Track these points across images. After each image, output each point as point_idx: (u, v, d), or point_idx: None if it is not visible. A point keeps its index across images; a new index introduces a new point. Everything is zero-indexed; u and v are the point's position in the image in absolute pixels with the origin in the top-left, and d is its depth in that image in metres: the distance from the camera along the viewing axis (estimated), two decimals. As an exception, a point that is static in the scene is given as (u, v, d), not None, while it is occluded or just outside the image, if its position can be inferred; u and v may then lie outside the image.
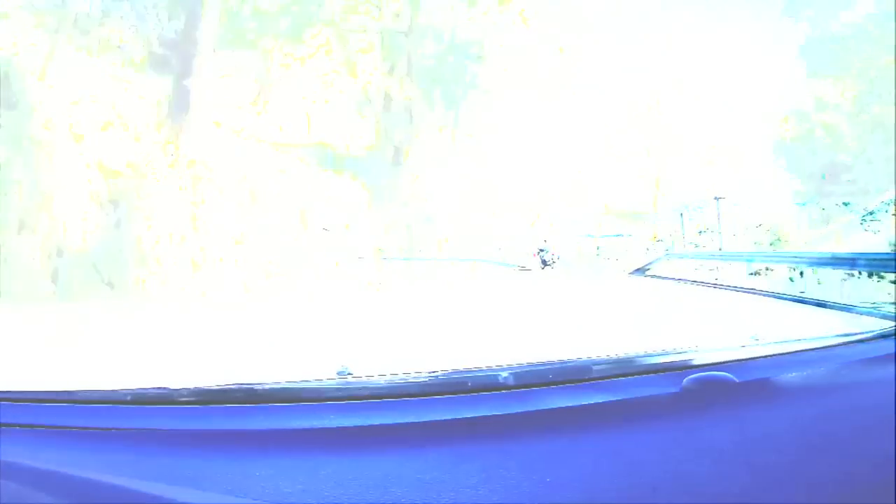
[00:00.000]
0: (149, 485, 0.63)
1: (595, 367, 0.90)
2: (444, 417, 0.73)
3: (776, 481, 0.57)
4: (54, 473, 0.67)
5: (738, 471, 0.59)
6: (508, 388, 0.84)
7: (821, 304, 2.51)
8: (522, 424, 0.71)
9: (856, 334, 0.93)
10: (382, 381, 1.05)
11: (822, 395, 0.74)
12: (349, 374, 1.10)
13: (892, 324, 0.94)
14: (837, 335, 0.94)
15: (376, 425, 0.72)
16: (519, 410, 0.73)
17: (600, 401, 0.76)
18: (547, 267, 19.11)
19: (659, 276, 7.65)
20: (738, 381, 0.74)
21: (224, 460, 0.68)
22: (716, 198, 15.57)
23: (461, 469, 0.63)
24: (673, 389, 0.74)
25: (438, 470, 0.64)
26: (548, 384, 0.86)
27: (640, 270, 13.29)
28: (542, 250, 19.97)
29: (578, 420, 0.72)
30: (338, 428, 0.73)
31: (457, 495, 0.59)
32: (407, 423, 0.73)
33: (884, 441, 0.62)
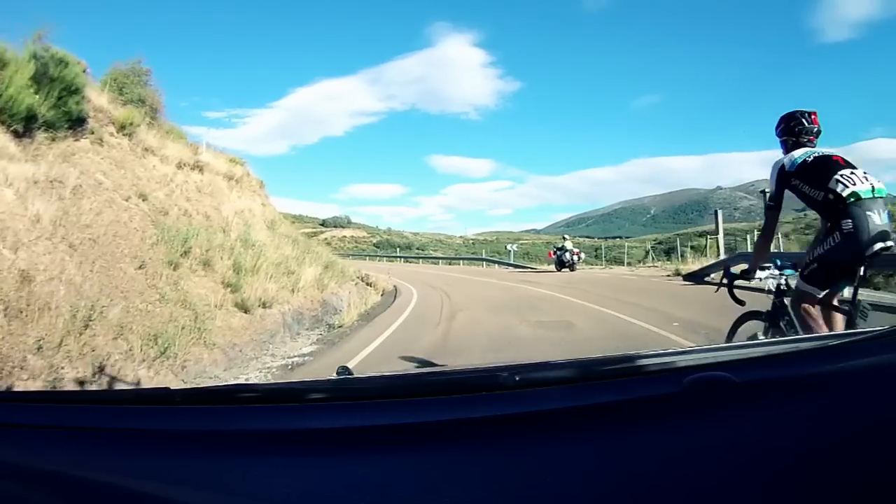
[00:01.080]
0: (149, 485, 0.63)
1: (595, 367, 0.90)
2: (443, 417, 0.73)
3: (776, 482, 0.57)
4: (54, 473, 0.67)
5: (738, 471, 0.59)
6: (508, 388, 0.83)
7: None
8: (522, 424, 0.71)
9: (856, 334, 0.93)
10: (382, 382, 1.05)
11: (822, 396, 0.74)
12: (349, 374, 1.10)
13: (893, 324, 0.94)
14: (838, 334, 0.94)
15: (376, 425, 0.72)
16: (519, 410, 0.73)
17: (600, 401, 0.76)
18: (565, 269, 17.03)
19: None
20: (738, 381, 0.74)
21: (224, 460, 0.68)
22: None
23: (461, 469, 0.63)
24: (673, 389, 0.74)
25: (438, 470, 0.64)
26: (548, 384, 0.86)
27: (697, 276, 11.33)
28: (560, 249, 17.73)
29: (578, 420, 0.72)
30: (338, 428, 0.72)
31: (457, 496, 0.59)
32: (407, 424, 0.72)
33: (885, 442, 0.62)
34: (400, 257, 38.70)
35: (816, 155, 2.30)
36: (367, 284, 11.97)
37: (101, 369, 3.60)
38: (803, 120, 2.40)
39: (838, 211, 2.13)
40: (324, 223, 79.74)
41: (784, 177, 2.37)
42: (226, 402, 0.90)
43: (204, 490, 0.63)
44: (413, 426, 0.72)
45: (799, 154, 2.35)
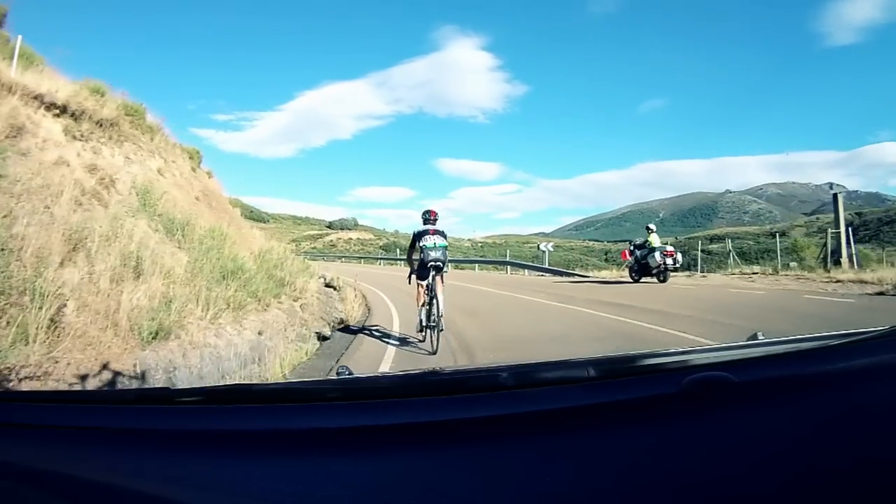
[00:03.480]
0: (149, 485, 0.63)
1: (595, 367, 0.90)
2: (443, 417, 0.73)
3: (776, 482, 0.57)
4: (54, 473, 0.67)
5: (738, 471, 0.59)
6: (508, 388, 0.84)
7: None
8: (523, 424, 0.71)
9: (856, 334, 0.92)
10: (383, 381, 1.05)
11: (822, 396, 0.74)
12: (349, 374, 1.10)
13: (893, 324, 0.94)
14: (838, 334, 0.94)
15: (377, 425, 0.72)
16: (519, 410, 0.73)
17: (600, 400, 0.76)
18: (648, 277, 10.70)
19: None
20: (737, 381, 0.74)
21: (224, 460, 0.68)
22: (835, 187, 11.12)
23: (461, 469, 0.63)
24: (673, 389, 0.74)
25: (438, 470, 0.64)
26: (548, 384, 0.86)
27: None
28: (642, 247, 11.27)
29: (578, 420, 0.72)
30: (338, 428, 0.73)
31: (457, 495, 0.59)
32: (407, 423, 0.73)
33: (885, 442, 0.62)
34: (401, 260, 33.79)
35: (425, 229, 5.61)
36: (342, 299, 8.04)
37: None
38: (426, 216, 5.72)
39: (420, 251, 5.50)
40: (330, 225, 79.65)
41: (413, 237, 5.75)
42: (226, 402, 0.90)
43: (204, 490, 0.63)
44: (413, 426, 0.72)
45: (419, 228, 5.67)
